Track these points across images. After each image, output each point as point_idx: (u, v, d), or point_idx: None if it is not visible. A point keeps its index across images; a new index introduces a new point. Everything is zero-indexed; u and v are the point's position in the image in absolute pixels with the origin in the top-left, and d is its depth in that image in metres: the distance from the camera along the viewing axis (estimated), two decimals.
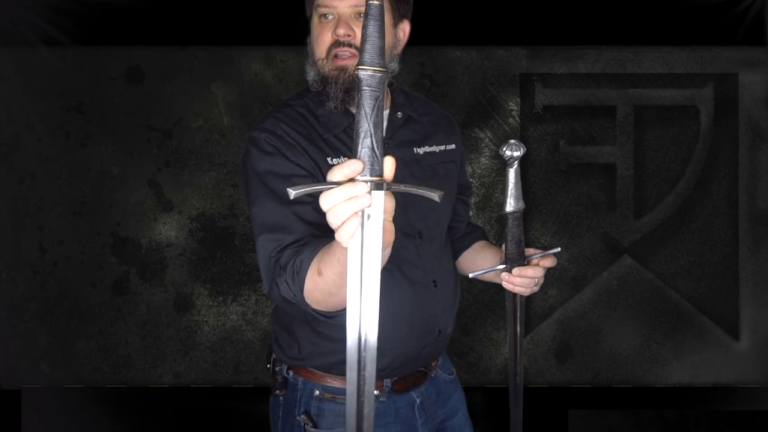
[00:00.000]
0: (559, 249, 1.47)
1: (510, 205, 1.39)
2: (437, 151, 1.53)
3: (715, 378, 3.68)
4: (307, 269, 1.18)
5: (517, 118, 3.60)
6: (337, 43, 1.36)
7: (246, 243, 3.64)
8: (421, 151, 1.50)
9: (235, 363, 3.66)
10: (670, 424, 3.58)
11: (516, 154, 1.34)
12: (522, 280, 1.41)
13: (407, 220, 1.43)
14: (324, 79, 1.39)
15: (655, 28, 3.53)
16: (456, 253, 1.65)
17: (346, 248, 0.95)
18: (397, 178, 1.07)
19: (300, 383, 1.45)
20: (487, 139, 3.60)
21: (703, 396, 3.66)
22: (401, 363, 1.45)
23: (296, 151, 1.36)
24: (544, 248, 1.48)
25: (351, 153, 1.02)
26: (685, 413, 3.59)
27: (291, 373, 1.46)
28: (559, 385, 3.67)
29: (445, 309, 1.50)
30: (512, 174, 1.37)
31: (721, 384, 3.68)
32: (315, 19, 1.40)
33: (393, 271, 1.40)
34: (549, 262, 1.44)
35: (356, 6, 1.34)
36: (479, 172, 3.62)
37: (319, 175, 1.35)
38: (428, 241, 1.48)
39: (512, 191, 1.38)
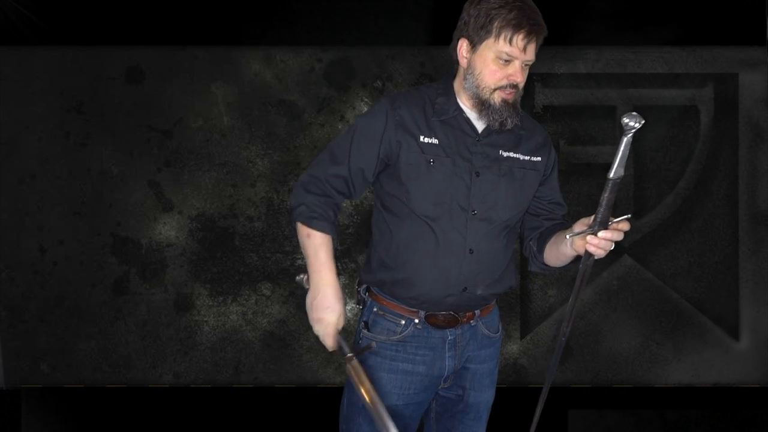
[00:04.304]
0: (630, 215, 1.62)
1: (615, 171, 1.46)
2: (520, 158, 1.86)
3: (715, 378, 3.68)
4: (307, 223, 1.78)
5: None
6: (508, 84, 1.74)
7: (246, 243, 3.64)
8: (505, 154, 1.84)
9: (235, 363, 3.66)
10: (670, 424, 3.58)
11: (633, 123, 1.40)
12: (603, 243, 1.63)
13: (467, 198, 1.81)
14: (484, 102, 1.77)
15: (655, 28, 3.53)
16: (540, 247, 1.96)
17: (322, 267, 1.79)
18: (481, 167, 1.78)
19: (368, 301, 1.95)
20: None
21: (703, 396, 3.66)
22: (427, 299, 1.85)
23: (396, 130, 1.79)
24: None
25: (443, 136, 1.76)
26: (685, 413, 3.59)
27: (367, 294, 1.96)
28: (559, 385, 3.67)
29: (477, 274, 1.84)
30: (624, 142, 1.44)
31: (721, 384, 3.68)
32: (492, 56, 1.73)
33: (434, 228, 1.80)
34: (625, 225, 1.64)
35: (528, 60, 1.74)
36: None
37: (397, 152, 1.78)
38: (479, 220, 1.82)
39: (620, 159, 1.45)
